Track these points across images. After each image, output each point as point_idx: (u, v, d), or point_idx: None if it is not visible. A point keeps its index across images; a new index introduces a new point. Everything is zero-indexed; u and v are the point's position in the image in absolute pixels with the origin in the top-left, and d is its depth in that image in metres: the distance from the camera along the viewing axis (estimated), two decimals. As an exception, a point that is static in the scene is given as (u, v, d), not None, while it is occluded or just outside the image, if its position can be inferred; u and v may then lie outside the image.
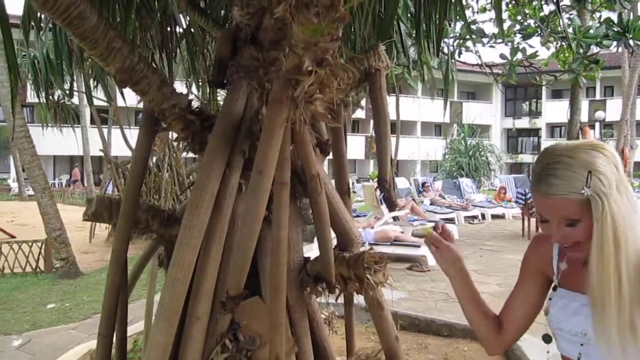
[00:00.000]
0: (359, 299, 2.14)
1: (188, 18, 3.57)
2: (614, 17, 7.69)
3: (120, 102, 8.72)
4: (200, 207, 1.73)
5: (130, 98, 3.65)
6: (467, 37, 8.86)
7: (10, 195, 25.64)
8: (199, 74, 4.36)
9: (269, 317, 1.77)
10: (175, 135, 2.13)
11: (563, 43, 8.81)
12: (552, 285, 1.37)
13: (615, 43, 8.07)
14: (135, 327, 4.80)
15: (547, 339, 1.39)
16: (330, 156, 2.28)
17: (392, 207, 2.25)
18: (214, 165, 1.78)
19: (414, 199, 12.48)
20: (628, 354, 1.16)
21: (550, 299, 1.36)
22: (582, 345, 1.26)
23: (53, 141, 16.61)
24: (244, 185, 1.91)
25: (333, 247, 2.00)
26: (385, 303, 2.03)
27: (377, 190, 2.20)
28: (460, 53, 9.53)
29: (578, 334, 1.26)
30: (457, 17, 4.64)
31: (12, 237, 11.14)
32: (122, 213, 2.03)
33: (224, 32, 2.05)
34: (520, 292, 1.44)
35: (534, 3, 8.78)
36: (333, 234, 2.05)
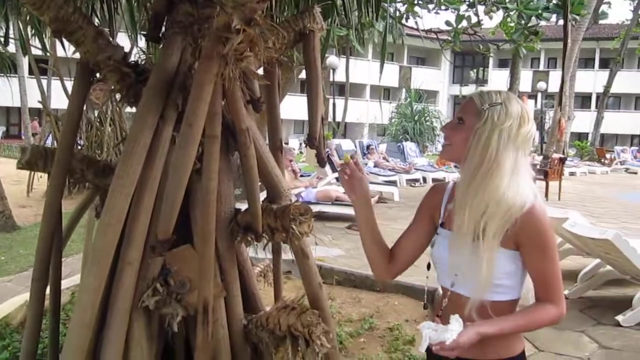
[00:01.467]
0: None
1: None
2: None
3: (60, 53, 8.45)
4: (133, 157, 1.80)
5: (70, 48, 3.60)
6: (414, 2, 8.97)
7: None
8: (142, 27, 4.31)
9: (199, 263, 1.89)
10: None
11: (506, 13, 9.05)
12: (439, 223, 1.60)
13: (554, 16, 8.35)
14: (73, 280, 4.82)
15: (428, 266, 1.63)
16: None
17: (321, 163, 2.37)
18: (147, 117, 1.84)
19: (358, 161, 12.68)
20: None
21: (437, 234, 1.60)
22: (456, 275, 1.52)
23: (-13, 90, 15.90)
24: (177, 137, 1.98)
25: (262, 199, 2.11)
26: (310, 252, 2.16)
27: (307, 145, 2.31)
28: (407, 18, 9.64)
29: (452, 267, 1.51)
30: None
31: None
32: (56, 161, 2.07)
33: (160, -13, 2.09)
34: (411, 233, 1.67)
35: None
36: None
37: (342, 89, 25.35)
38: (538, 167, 12.38)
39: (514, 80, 14.06)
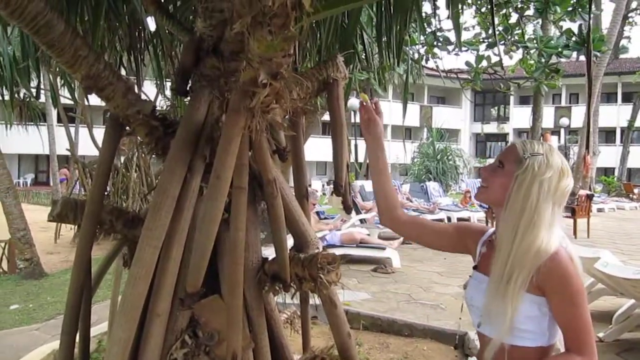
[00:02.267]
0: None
1: (156, 21, 3.64)
2: (575, 28, 7.97)
3: (87, 101, 8.69)
4: (162, 210, 1.82)
5: (97, 98, 3.71)
6: (434, 44, 9.08)
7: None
8: (167, 76, 4.42)
9: (227, 315, 1.87)
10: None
11: (526, 52, 9.11)
12: (473, 265, 1.66)
13: (575, 53, 8.36)
14: (100, 328, 4.84)
15: (462, 308, 1.70)
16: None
17: (347, 210, 2.38)
18: (175, 169, 1.87)
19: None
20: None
21: (470, 276, 1.65)
22: (482, 316, 1.56)
23: (18, 140, 16.36)
24: (205, 188, 2.00)
25: (290, 248, 2.10)
26: (338, 301, 2.14)
27: (333, 194, 2.32)
28: (427, 59, 9.74)
29: (480, 308, 1.55)
30: (420, 29, 4.81)
31: (-25, 237, 10.95)
32: (86, 214, 2.10)
33: (187, 42, 2.15)
34: (434, 225, 1.87)
35: (503, 12, 9.04)
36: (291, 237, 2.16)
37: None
38: (565, 204, 12.16)
39: (537, 117, 13.98)
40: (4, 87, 4.80)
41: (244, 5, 1.44)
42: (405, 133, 37.54)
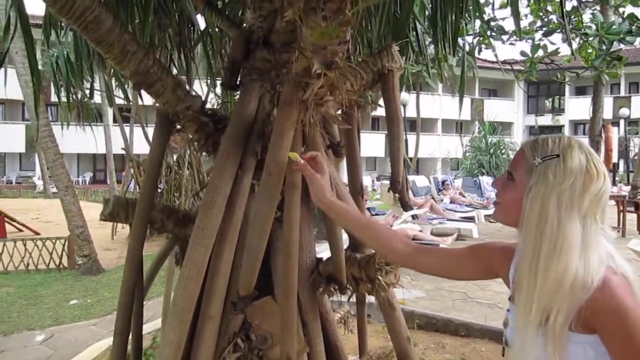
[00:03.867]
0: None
1: (205, 18, 3.61)
2: (639, 13, 7.55)
3: (141, 100, 8.85)
4: (213, 208, 1.76)
5: (150, 97, 3.72)
6: (487, 34, 8.78)
7: (35, 193, 26.11)
8: (217, 73, 4.41)
9: (281, 317, 1.80)
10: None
11: (585, 39, 8.69)
12: (509, 296, 1.33)
13: (639, 39, 7.92)
14: (154, 324, 4.88)
15: (502, 352, 1.36)
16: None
17: (405, 207, 2.26)
18: (226, 166, 1.80)
19: (433, 198, 12.42)
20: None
21: (508, 310, 1.33)
22: None
23: (76, 140, 16.90)
24: (256, 185, 1.93)
25: (345, 247, 2.01)
26: (397, 304, 2.03)
27: (390, 189, 2.20)
28: (480, 50, 9.45)
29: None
30: (475, 15, 4.62)
31: (37, 234, 11.36)
32: (137, 213, 2.06)
33: (236, 35, 2.08)
34: (451, 256, 1.47)
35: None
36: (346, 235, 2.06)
37: (413, 125, 25.13)
38: (627, 198, 11.59)
39: (597, 108, 13.38)
40: (60, 89, 4.90)
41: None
42: (456, 127, 36.89)
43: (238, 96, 1.98)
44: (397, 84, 2.22)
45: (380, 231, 1.49)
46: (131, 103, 9.67)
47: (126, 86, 5.38)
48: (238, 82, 2.03)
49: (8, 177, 29.78)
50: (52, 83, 5.56)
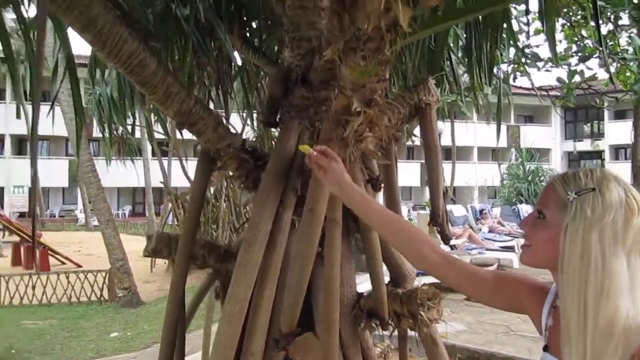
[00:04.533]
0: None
1: (242, 56, 3.70)
2: (678, 35, 7.42)
3: (179, 135, 9.05)
4: (254, 245, 1.77)
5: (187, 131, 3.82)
6: (521, 62, 8.73)
7: (77, 226, 26.77)
8: (254, 107, 4.49)
9: (323, 354, 1.78)
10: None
11: (623, 63, 8.54)
12: (543, 345, 1.23)
13: (679, 61, 7.75)
14: (194, 357, 4.88)
15: None
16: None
17: (446, 241, 2.23)
18: (267, 203, 1.82)
19: (471, 227, 12.22)
20: None
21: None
22: None
23: (117, 173, 17.29)
24: (297, 222, 1.94)
25: (386, 282, 2.00)
26: (439, 339, 2.00)
27: (430, 223, 2.19)
28: (515, 78, 9.38)
29: None
30: (510, 43, 4.60)
31: (79, 266, 11.61)
32: (180, 249, 2.09)
33: (275, 73, 2.12)
34: (472, 274, 1.31)
35: (591, 24, 8.59)
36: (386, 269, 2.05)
37: (449, 153, 24.96)
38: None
39: (638, 133, 13.07)
40: (104, 127, 5.06)
41: (335, 31, 1.37)
42: (492, 154, 36.44)
43: (278, 133, 2.01)
44: (435, 117, 2.23)
45: (406, 228, 1.36)
46: (169, 139, 9.89)
47: (166, 121, 5.54)
48: (277, 119, 2.07)
49: (51, 210, 30.64)
50: (95, 120, 5.77)
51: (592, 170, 1.13)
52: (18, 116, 2.39)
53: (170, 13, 3.13)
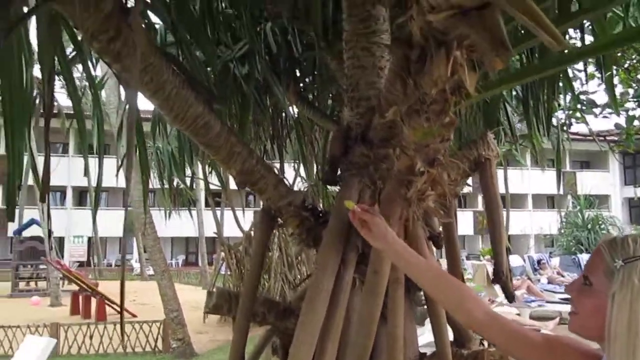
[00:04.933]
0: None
1: (297, 111, 3.79)
2: None
3: (231, 185, 9.25)
4: (316, 304, 1.76)
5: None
6: (577, 108, 8.58)
7: (132, 275, 27.33)
8: (308, 159, 4.56)
9: (386, 418, 1.73)
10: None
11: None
12: None
13: None
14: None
15: None
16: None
17: (510, 299, 2.17)
18: (328, 261, 1.82)
19: (529, 278, 11.80)
20: None
21: None
22: None
23: (171, 224, 17.73)
24: (358, 279, 1.93)
25: (450, 342, 1.94)
26: (509, 405, 1.91)
27: (493, 281, 2.13)
28: (570, 124, 9.20)
29: None
30: (566, 91, 4.54)
31: (134, 316, 11.78)
32: (240, 307, 2.10)
33: (335, 132, 2.15)
34: (521, 336, 1.24)
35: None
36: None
37: (502, 201, 24.51)
38: None
39: None
40: (164, 181, 5.23)
41: (397, 94, 1.39)
42: (548, 201, 35.44)
43: (338, 191, 2.02)
44: (495, 171, 2.21)
45: (453, 285, 1.34)
46: (224, 190, 10.11)
47: (221, 173, 5.69)
48: (337, 177, 2.08)
49: (108, 260, 31.49)
50: (154, 174, 5.98)
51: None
52: (86, 174, 2.49)
53: (228, 72, 3.26)
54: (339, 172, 2.08)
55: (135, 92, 1.43)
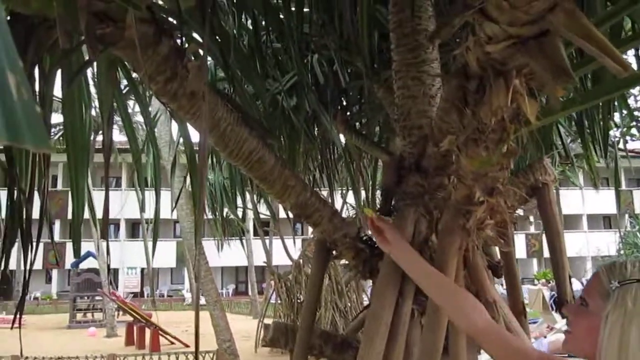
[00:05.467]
0: None
1: (345, 139, 3.81)
2: None
3: (280, 214, 9.32)
4: (376, 337, 1.74)
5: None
6: (633, 124, 8.33)
7: (184, 305, 27.69)
8: (356, 187, 4.56)
9: None
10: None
11: None
12: None
13: None
14: None
15: None
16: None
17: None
18: (386, 293, 1.80)
19: (589, 302, 11.33)
20: None
21: None
22: None
23: (221, 253, 17.98)
24: (416, 311, 1.90)
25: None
26: None
27: (557, 309, 2.06)
28: (625, 142, 8.93)
29: None
30: (621, 109, 4.42)
31: (187, 346, 11.90)
32: (298, 341, 2.09)
33: (388, 162, 2.15)
34: (515, 349, 1.23)
35: None
36: None
37: (556, 222, 23.75)
38: None
39: None
40: (215, 213, 5.32)
41: (453, 123, 1.38)
42: (604, 222, 34.18)
43: (393, 221, 2.01)
44: (554, 196, 2.15)
45: (460, 293, 1.39)
46: (275, 219, 10.19)
47: (270, 203, 5.75)
48: (392, 207, 2.07)
49: (160, 290, 32.04)
50: (207, 205, 6.09)
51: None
52: (142, 209, 2.55)
53: (277, 105, 3.31)
54: (393, 202, 2.07)
55: (205, 134, 1.47)
